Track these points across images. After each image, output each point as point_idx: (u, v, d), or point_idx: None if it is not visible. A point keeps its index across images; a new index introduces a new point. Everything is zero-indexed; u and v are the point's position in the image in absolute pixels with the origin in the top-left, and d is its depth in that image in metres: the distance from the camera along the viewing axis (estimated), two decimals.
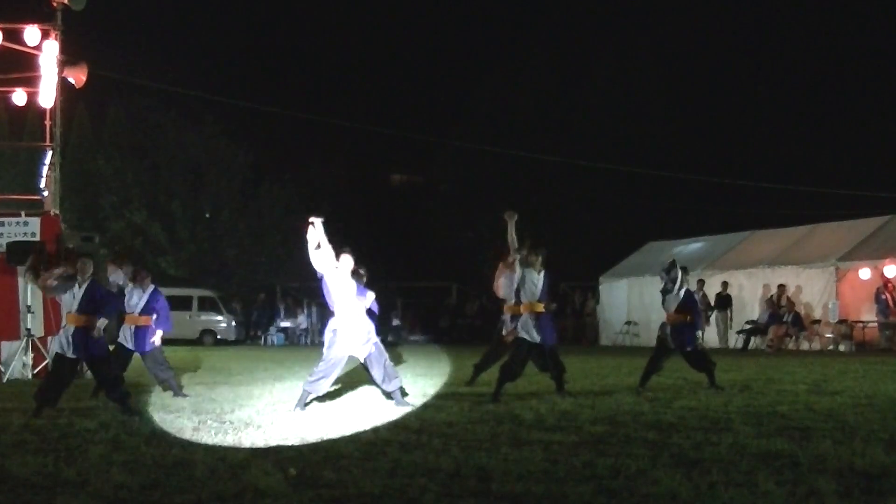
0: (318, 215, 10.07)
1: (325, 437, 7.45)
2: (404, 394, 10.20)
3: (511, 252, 10.61)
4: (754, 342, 22.79)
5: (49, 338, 14.07)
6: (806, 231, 24.92)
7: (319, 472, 6.02)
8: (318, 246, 9.71)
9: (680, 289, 11.39)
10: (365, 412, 9.20)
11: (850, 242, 22.55)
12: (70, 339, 9.30)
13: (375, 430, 7.83)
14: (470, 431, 7.82)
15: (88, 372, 10.87)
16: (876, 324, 21.07)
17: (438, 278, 34.56)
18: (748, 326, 23.11)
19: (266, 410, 9.47)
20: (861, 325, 21.41)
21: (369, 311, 10.16)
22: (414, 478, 5.79)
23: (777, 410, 8.95)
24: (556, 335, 10.73)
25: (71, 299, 9.41)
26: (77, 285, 9.42)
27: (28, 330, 14.37)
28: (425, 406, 9.73)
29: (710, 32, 39.81)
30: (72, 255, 10.56)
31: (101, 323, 9.41)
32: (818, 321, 22.07)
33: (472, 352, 17.43)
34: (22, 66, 17.05)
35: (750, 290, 24.07)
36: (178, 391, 11.45)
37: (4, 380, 13.86)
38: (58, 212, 15.55)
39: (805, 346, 22.29)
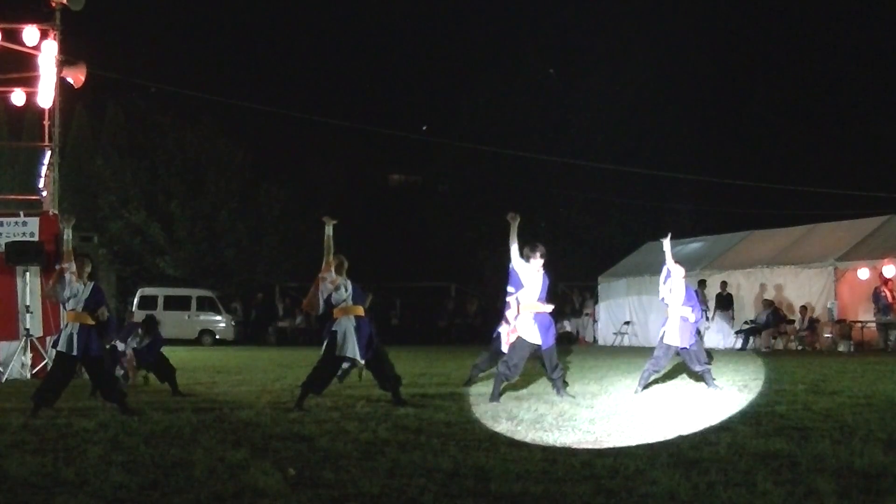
0: (331, 217, 10.12)
1: (325, 437, 7.45)
2: (399, 381, 10.17)
3: (512, 254, 10.59)
4: (753, 342, 22.80)
5: (48, 338, 14.09)
6: (804, 231, 24.93)
7: (319, 472, 6.02)
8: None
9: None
10: (364, 412, 9.20)
11: (848, 242, 22.56)
12: (75, 338, 9.33)
13: (374, 430, 7.83)
14: (468, 431, 7.83)
15: (86, 373, 10.90)
16: (874, 324, 21.07)
17: (437, 278, 34.55)
18: (747, 326, 23.12)
19: (265, 410, 9.47)
20: (860, 324, 21.41)
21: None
22: (413, 478, 5.79)
23: (775, 410, 8.96)
24: (555, 337, 10.73)
25: (77, 297, 9.46)
26: (81, 284, 9.49)
27: (27, 330, 14.38)
28: (424, 406, 9.73)
29: (710, 32, 39.82)
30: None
31: (103, 311, 9.51)
32: (817, 321, 22.07)
33: (471, 352, 17.43)
34: (21, 66, 17.06)
35: (749, 290, 24.09)
36: (176, 390, 11.49)
37: (3, 380, 13.87)
38: (56, 212, 15.55)
39: (793, 346, 22.33)
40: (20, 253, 14.48)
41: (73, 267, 9.57)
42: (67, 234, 9.88)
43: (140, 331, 12.33)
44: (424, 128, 39.53)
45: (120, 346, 12.26)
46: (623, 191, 34.67)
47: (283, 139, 38.09)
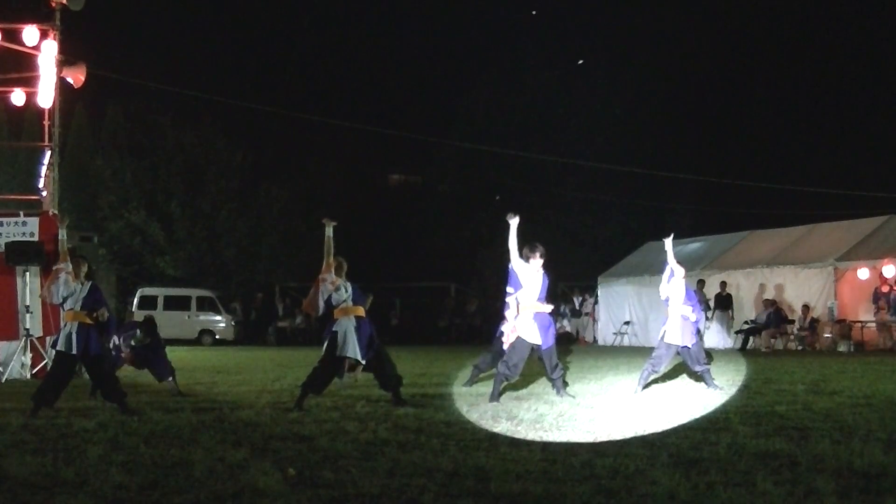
0: (330, 218, 10.12)
1: (325, 437, 7.45)
2: (400, 381, 10.18)
3: (511, 254, 10.59)
4: (753, 342, 22.80)
5: (48, 338, 14.09)
6: (804, 231, 24.92)
7: (318, 472, 6.02)
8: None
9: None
10: (364, 412, 9.20)
11: (848, 242, 22.54)
12: (74, 337, 9.34)
13: (374, 430, 7.83)
14: (468, 431, 7.83)
15: (85, 373, 10.90)
16: (874, 324, 21.06)
17: (437, 278, 34.55)
18: (746, 326, 23.12)
19: (265, 410, 9.47)
20: (860, 324, 21.40)
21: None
22: (413, 478, 5.79)
23: (775, 410, 8.96)
24: (554, 337, 10.72)
25: (75, 297, 9.47)
26: (79, 284, 9.51)
27: (27, 330, 14.37)
28: (424, 406, 9.73)
29: (709, 32, 39.85)
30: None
31: (103, 311, 9.52)
32: (816, 321, 22.06)
33: (472, 352, 17.44)
34: (21, 66, 17.06)
35: (748, 290, 24.08)
36: (176, 390, 11.49)
37: (3, 380, 13.87)
38: (56, 211, 15.54)
39: (793, 346, 22.30)
40: (20, 253, 14.48)
41: (69, 267, 9.58)
42: (62, 234, 9.89)
43: (139, 331, 12.30)
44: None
45: (116, 342, 12.22)
46: (623, 191, 34.68)
47: (283, 139, 38.10)
